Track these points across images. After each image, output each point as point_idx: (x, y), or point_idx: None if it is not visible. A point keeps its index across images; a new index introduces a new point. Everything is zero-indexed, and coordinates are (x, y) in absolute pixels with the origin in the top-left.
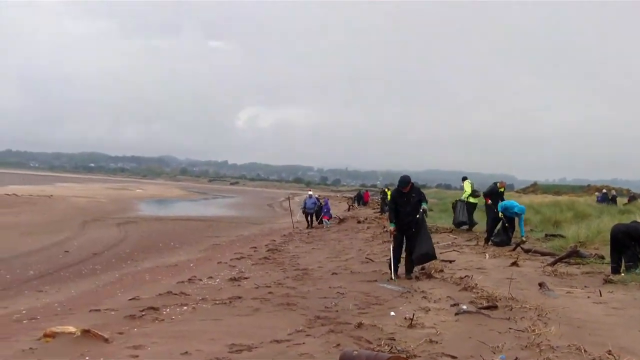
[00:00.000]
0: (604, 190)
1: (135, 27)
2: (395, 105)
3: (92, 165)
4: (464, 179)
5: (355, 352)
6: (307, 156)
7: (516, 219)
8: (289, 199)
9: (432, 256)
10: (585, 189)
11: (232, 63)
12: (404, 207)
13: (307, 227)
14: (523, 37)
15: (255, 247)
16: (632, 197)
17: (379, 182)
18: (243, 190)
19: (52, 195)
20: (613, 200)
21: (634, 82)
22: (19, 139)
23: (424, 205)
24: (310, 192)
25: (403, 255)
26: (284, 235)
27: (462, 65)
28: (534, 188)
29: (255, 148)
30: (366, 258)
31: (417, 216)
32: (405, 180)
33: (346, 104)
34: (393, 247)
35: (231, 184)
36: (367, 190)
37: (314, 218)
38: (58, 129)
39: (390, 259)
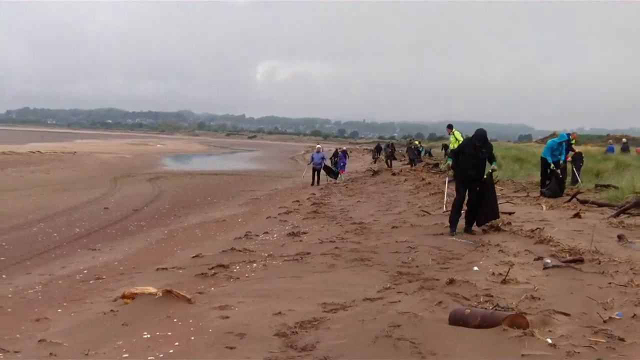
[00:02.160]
0: (624, 140)
1: None
2: (411, 56)
3: (110, 121)
4: (450, 126)
5: (468, 311)
6: (325, 109)
7: (572, 168)
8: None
9: (496, 215)
10: (604, 138)
11: (247, 15)
12: (469, 160)
13: (313, 184)
14: None
15: (297, 201)
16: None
17: (396, 134)
18: (262, 144)
19: (76, 152)
20: (625, 149)
21: None
22: (36, 96)
23: (494, 165)
24: (319, 146)
25: (464, 209)
26: (321, 188)
27: (478, 17)
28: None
29: (272, 101)
30: (422, 211)
31: (485, 177)
32: (481, 135)
33: (362, 56)
34: (455, 199)
35: (249, 137)
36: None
37: (321, 174)
38: (75, 86)
39: (451, 211)
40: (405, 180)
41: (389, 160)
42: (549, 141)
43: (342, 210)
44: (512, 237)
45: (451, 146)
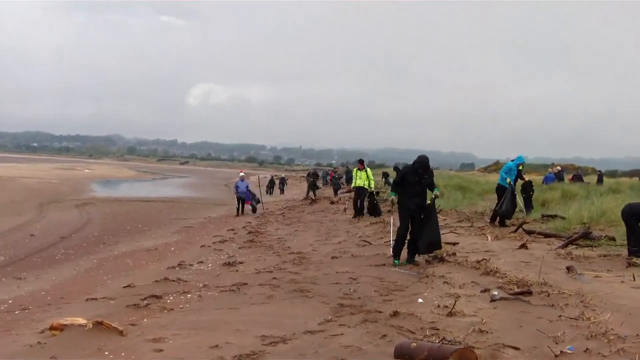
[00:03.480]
0: (558, 168)
1: (81, 0)
2: (350, 83)
3: (36, 144)
4: (361, 162)
5: (414, 344)
6: (260, 135)
7: (522, 197)
8: (258, 178)
9: (438, 245)
10: (549, 166)
11: (184, 39)
12: (413, 187)
13: (238, 214)
14: (482, 14)
15: (233, 230)
16: (576, 176)
17: (334, 161)
18: (194, 170)
19: None
20: (559, 177)
21: (597, 58)
22: None
23: (436, 191)
24: (242, 174)
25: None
26: (257, 217)
27: (421, 41)
28: (496, 167)
29: (206, 126)
30: (362, 241)
31: (429, 202)
32: (423, 162)
33: (300, 82)
34: (398, 229)
35: (181, 163)
36: (332, 170)
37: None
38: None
39: (392, 240)
40: (345, 209)
41: (311, 190)
42: (506, 164)
43: (279, 240)
44: (457, 269)
45: (360, 183)
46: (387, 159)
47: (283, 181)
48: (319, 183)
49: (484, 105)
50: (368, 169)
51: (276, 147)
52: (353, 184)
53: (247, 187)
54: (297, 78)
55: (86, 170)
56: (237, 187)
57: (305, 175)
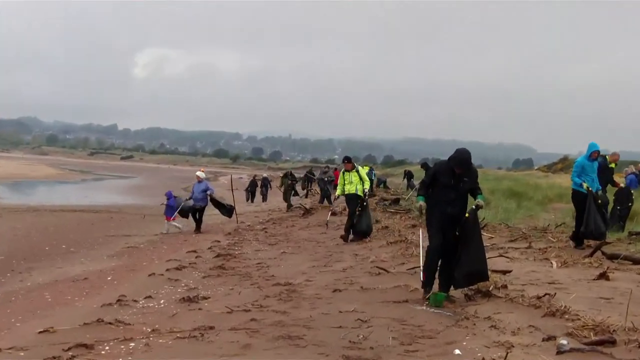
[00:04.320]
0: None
1: None
2: (358, 48)
3: None
4: (348, 159)
5: None
6: (233, 119)
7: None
8: (231, 179)
9: (483, 275)
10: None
11: None
12: (447, 193)
13: (195, 231)
14: None
15: (195, 251)
16: None
17: (337, 156)
18: (141, 167)
19: None
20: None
21: None
22: None
23: (479, 199)
24: (200, 173)
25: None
26: (229, 233)
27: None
28: (564, 164)
29: (157, 107)
30: (376, 267)
31: (467, 215)
32: (463, 158)
33: (289, 48)
34: (428, 249)
35: (123, 158)
36: (336, 169)
37: (203, 214)
38: None
39: (423, 266)
40: (327, 223)
41: (287, 194)
42: (576, 161)
43: (259, 265)
44: (509, 307)
45: (350, 189)
46: (410, 153)
47: (266, 183)
48: (305, 187)
49: (545, 80)
50: (361, 169)
51: (255, 137)
52: (338, 191)
53: (205, 190)
54: (285, 42)
55: None
56: (192, 191)
57: (303, 176)
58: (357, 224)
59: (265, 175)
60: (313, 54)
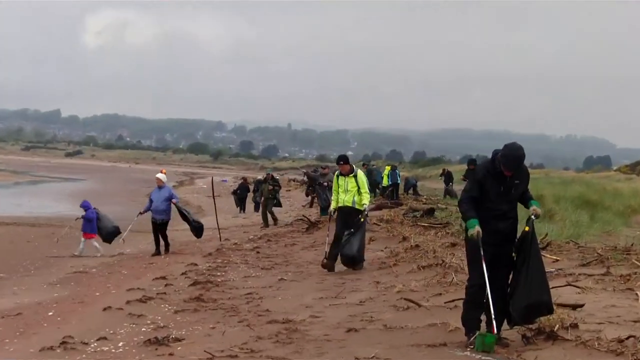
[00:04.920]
0: None
1: None
2: (376, 13)
3: None
4: (344, 159)
5: None
6: (215, 105)
7: None
8: (212, 182)
9: (545, 309)
10: None
11: None
12: (497, 205)
13: (155, 253)
14: None
15: (163, 278)
16: None
17: (350, 152)
18: (92, 166)
19: None
20: None
21: None
22: None
23: (534, 206)
24: (160, 175)
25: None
26: (209, 254)
27: None
28: None
29: (115, 88)
30: (404, 299)
31: (527, 227)
32: (515, 157)
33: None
34: (469, 280)
35: (68, 154)
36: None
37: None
38: None
39: (464, 302)
40: (372, 240)
41: (267, 206)
42: None
43: (250, 297)
44: (580, 353)
45: (346, 200)
46: (448, 149)
47: (259, 188)
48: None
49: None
50: (361, 173)
51: (244, 127)
52: (333, 204)
53: (168, 199)
54: (284, 6)
55: None
56: (150, 200)
57: (257, 181)
58: (345, 246)
59: (260, 177)
60: (321, 23)
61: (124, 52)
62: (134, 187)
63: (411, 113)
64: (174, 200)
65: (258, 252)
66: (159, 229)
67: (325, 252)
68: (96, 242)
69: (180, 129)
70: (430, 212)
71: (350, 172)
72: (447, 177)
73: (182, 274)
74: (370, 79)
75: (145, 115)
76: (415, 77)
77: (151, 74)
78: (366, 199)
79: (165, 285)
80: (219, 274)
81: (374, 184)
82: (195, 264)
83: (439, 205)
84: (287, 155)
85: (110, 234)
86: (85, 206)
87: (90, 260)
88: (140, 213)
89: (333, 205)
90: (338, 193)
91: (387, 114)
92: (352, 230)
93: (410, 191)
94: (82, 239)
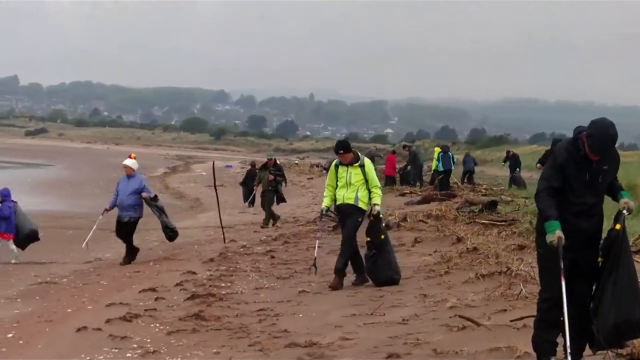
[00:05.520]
0: None
1: None
2: None
3: None
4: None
5: None
6: (215, 71)
7: None
8: (213, 168)
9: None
10: None
11: None
12: (580, 197)
13: (127, 259)
14: None
15: (153, 289)
16: None
17: (390, 130)
18: (60, 148)
19: None
20: None
21: None
22: None
23: (626, 198)
24: (128, 162)
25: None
26: (210, 259)
27: None
28: None
29: (88, 51)
30: (459, 317)
31: (617, 225)
32: (608, 138)
33: None
34: (541, 293)
35: (29, 133)
36: (393, 152)
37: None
38: None
39: (541, 320)
40: (417, 241)
41: (266, 199)
42: None
43: (263, 314)
44: None
45: (346, 197)
46: (514, 125)
47: (278, 174)
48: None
49: None
50: (368, 162)
51: (253, 97)
52: (326, 200)
53: (138, 191)
54: None
55: None
56: (116, 192)
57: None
58: (375, 271)
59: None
60: None
61: (99, 4)
62: (113, 174)
63: (467, 80)
64: (144, 194)
65: (273, 257)
66: (125, 229)
67: (314, 265)
68: (13, 244)
69: (172, 101)
70: (491, 206)
71: (354, 161)
72: (513, 161)
73: (177, 284)
74: (413, 38)
75: (126, 84)
76: (471, 36)
77: (134, 32)
78: (378, 196)
79: (156, 299)
80: (223, 284)
81: (418, 171)
82: (193, 273)
83: (502, 197)
84: (308, 133)
85: (26, 238)
86: (3, 194)
87: (59, 267)
88: (106, 210)
89: (326, 203)
90: (335, 187)
91: (436, 82)
92: (374, 251)
93: (466, 178)
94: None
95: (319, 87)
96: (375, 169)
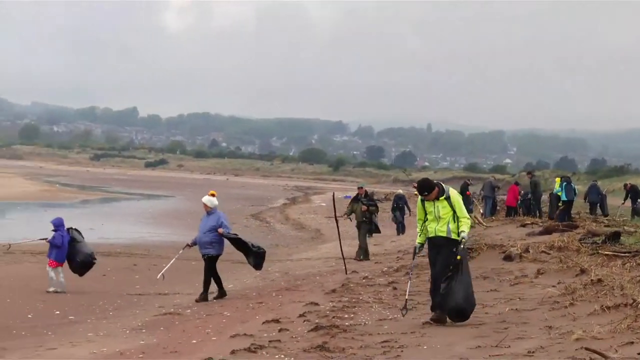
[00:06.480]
0: None
1: None
2: None
3: None
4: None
5: None
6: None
7: None
8: (333, 199)
9: None
10: None
11: None
12: None
13: (202, 296)
14: None
15: (276, 321)
16: None
17: (509, 161)
18: (179, 179)
19: None
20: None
21: None
22: None
23: None
24: (210, 198)
25: None
26: (333, 290)
27: None
28: None
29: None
30: (584, 349)
31: None
32: None
33: None
34: None
35: (150, 164)
36: (516, 183)
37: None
38: None
39: None
40: (541, 272)
41: (362, 231)
42: None
43: (386, 345)
44: None
45: (438, 229)
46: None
47: (400, 204)
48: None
49: None
50: (453, 193)
51: (371, 128)
52: (420, 237)
53: (215, 226)
54: None
55: None
56: (200, 229)
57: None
58: (446, 296)
59: (400, 192)
60: None
61: (214, 35)
62: (234, 205)
63: (587, 109)
64: (220, 230)
65: (395, 289)
66: (205, 265)
67: (405, 307)
68: (53, 272)
69: (290, 132)
70: (614, 237)
71: (440, 195)
72: (633, 193)
73: (300, 316)
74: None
75: (244, 115)
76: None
77: (250, 63)
78: (466, 225)
79: (279, 330)
80: (346, 316)
81: (537, 201)
82: (316, 304)
83: (625, 228)
84: (427, 164)
85: (80, 265)
86: (56, 224)
87: (183, 298)
88: (188, 245)
89: (419, 240)
90: (424, 221)
91: (555, 111)
92: (449, 274)
93: (597, 210)
94: (48, 268)
95: (435, 117)
96: (496, 200)
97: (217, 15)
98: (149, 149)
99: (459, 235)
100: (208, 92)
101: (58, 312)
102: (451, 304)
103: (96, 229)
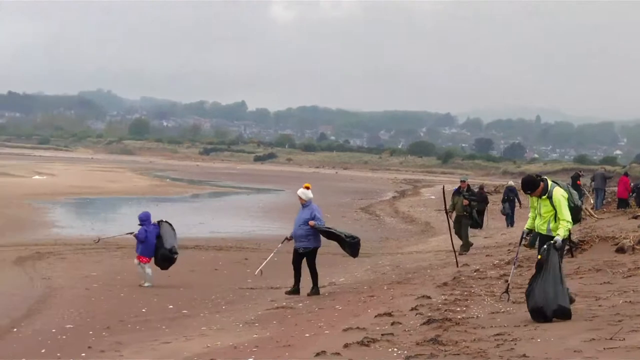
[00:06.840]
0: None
1: None
2: None
3: None
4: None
5: None
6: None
7: None
8: (443, 192)
9: None
10: None
11: None
12: None
13: (294, 289)
14: None
15: (388, 314)
16: None
17: (619, 152)
18: (288, 172)
19: None
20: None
21: None
22: None
23: None
24: (305, 191)
25: None
26: (444, 283)
27: None
28: None
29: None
30: None
31: None
32: None
33: None
34: None
35: (258, 158)
36: (626, 174)
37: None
38: None
39: None
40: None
41: (462, 225)
42: None
43: (500, 338)
44: None
45: (539, 225)
46: None
47: (511, 197)
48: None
49: None
50: (557, 193)
51: (479, 120)
52: (530, 222)
53: (308, 219)
54: None
55: (35, 177)
56: (296, 222)
57: (507, 188)
58: (527, 297)
59: (511, 183)
60: None
61: (323, 26)
62: (343, 199)
63: None
64: (311, 222)
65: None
66: (301, 259)
67: (506, 292)
68: (148, 266)
69: (398, 125)
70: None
71: (542, 194)
72: None
73: (412, 309)
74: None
75: (352, 108)
76: None
77: (358, 55)
78: (563, 228)
79: (392, 323)
80: (458, 309)
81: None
82: (428, 297)
83: None
84: (536, 156)
85: (161, 259)
86: (142, 218)
87: (284, 292)
88: (287, 239)
89: (528, 224)
90: (535, 214)
91: None
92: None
93: None
94: (136, 262)
95: (544, 108)
96: (605, 191)
97: (325, 7)
98: (258, 143)
99: (566, 235)
100: (316, 85)
101: (171, 307)
102: (530, 305)
103: (206, 223)
